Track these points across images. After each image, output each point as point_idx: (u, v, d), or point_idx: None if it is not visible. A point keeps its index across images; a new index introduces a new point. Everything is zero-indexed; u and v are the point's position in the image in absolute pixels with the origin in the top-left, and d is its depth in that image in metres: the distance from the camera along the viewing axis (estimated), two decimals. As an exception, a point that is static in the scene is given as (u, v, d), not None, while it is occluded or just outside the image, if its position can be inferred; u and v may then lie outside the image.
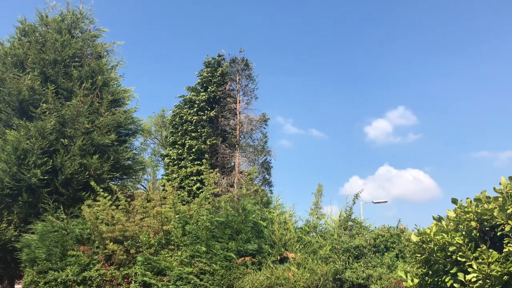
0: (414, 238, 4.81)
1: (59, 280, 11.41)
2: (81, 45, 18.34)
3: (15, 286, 17.73)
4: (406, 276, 5.10)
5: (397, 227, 10.05)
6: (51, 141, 15.75)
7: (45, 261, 11.88)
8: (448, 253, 4.33)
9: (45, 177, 15.24)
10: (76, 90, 17.02)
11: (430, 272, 4.74)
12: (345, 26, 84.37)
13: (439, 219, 4.75)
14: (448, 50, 79.32)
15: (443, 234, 4.42)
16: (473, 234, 4.31)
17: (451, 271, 4.29)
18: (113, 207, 12.86)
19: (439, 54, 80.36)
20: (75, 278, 11.45)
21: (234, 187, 23.41)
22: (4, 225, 15.06)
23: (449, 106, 76.67)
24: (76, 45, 18.07)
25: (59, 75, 17.16)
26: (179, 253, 11.22)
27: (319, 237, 10.96)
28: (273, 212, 11.75)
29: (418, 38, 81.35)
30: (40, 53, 17.37)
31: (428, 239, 4.58)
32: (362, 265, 8.50)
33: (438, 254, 4.47)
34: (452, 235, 4.34)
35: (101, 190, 13.31)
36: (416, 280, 4.92)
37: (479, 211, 4.28)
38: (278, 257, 10.32)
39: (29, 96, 16.38)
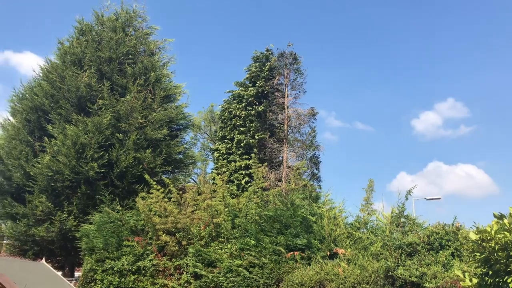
0: (473, 236, 4.61)
1: (115, 268, 11.89)
2: (135, 42, 18.95)
3: (75, 273, 18.64)
4: (464, 276, 4.91)
5: (453, 225, 9.66)
6: (107, 136, 16.43)
7: (102, 250, 12.41)
8: (511, 253, 4.13)
9: (102, 170, 15.93)
10: (130, 86, 17.63)
11: (490, 272, 4.53)
12: (392, 16, 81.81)
13: (501, 217, 4.52)
14: (501, 39, 74.82)
15: (505, 233, 4.21)
16: (539, 233, 4.08)
17: (514, 272, 4.09)
18: (166, 199, 13.19)
19: (490, 44, 76.00)
20: (130, 267, 11.89)
21: (282, 182, 23.40)
22: (64, 215, 15.89)
23: (505, 97, 72.44)
24: (130, 43, 18.69)
25: (114, 72, 17.83)
26: (229, 245, 11.38)
27: (370, 233, 10.75)
28: (322, 207, 11.64)
29: (467, 28, 77.42)
30: (96, 51, 18.11)
31: (489, 238, 4.38)
32: (416, 262, 8.25)
33: (500, 254, 4.27)
34: (516, 234, 4.12)
35: (154, 183, 13.71)
36: (475, 280, 4.72)
37: (546, 209, 4.04)
38: (328, 253, 10.23)
39: (86, 93, 17.14)
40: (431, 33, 79.69)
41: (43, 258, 12.39)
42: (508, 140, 71.45)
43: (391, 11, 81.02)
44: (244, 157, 24.32)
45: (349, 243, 10.49)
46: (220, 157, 25.42)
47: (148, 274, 11.85)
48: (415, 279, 7.82)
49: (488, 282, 4.55)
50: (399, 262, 8.38)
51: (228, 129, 25.74)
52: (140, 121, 17.13)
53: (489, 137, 73.99)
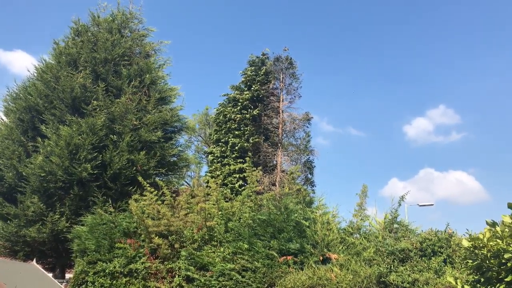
0: (466, 243, 4.63)
1: (107, 271, 11.80)
2: (130, 44, 18.91)
3: (66, 275, 18.48)
4: (456, 283, 4.92)
5: (445, 231, 9.71)
6: (101, 137, 16.35)
7: (94, 252, 12.32)
8: (503, 260, 4.14)
9: (95, 172, 15.84)
10: (125, 88, 17.57)
11: (482, 279, 4.55)
12: (386, 23, 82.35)
13: (493, 224, 4.54)
14: (492, 48, 75.60)
15: (498, 240, 4.23)
16: (531, 241, 4.10)
17: (506, 279, 4.10)
18: (159, 202, 13.14)
19: (483, 53, 76.81)
20: (122, 270, 11.80)
21: (276, 186, 23.41)
22: (57, 216, 15.76)
23: (496, 105, 73.19)
24: (126, 44, 18.64)
25: (109, 73, 17.77)
26: (222, 249, 11.34)
27: (363, 239, 10.78)
28: (316, 212, 11.67)
29: (460, 36, 78.14)
30: (92, 52, 18.04)
31: (481, 245, 4.40)
32: (408, 268, 8.27)
33: (492, 261, 4.29)
34: (508, 242, 4.14)
35: (147, 185, 13.65)
36: (467, 287, 4.73)
37: (538, 217, 4.07)
38: (321, 258, 10.24)
39: (81, 94, 17.05)
40: (424, 40, 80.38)
41: (34, 259, 12.28)
42: (497, 147, 72.19)
43: (385, 17, 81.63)
44: (238, 160, 24.33)
45: (342, 248, 10.50)
46: (214, 160, 25.41)
47: (140, 277, 11.77)
48: (408, 285, 7.84)
49: (480, 289, 4.57)
50: (392, 268, 8.40)
51: (222, 132, 25.75)
52: (135, 122, 17.06)
53: (480, 144, 74.70)
